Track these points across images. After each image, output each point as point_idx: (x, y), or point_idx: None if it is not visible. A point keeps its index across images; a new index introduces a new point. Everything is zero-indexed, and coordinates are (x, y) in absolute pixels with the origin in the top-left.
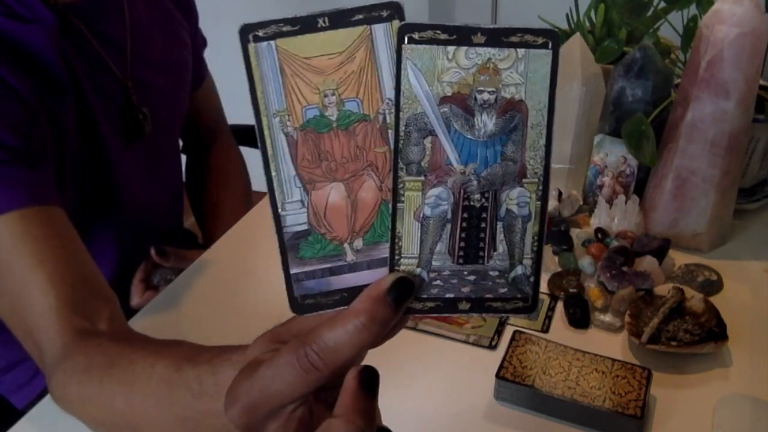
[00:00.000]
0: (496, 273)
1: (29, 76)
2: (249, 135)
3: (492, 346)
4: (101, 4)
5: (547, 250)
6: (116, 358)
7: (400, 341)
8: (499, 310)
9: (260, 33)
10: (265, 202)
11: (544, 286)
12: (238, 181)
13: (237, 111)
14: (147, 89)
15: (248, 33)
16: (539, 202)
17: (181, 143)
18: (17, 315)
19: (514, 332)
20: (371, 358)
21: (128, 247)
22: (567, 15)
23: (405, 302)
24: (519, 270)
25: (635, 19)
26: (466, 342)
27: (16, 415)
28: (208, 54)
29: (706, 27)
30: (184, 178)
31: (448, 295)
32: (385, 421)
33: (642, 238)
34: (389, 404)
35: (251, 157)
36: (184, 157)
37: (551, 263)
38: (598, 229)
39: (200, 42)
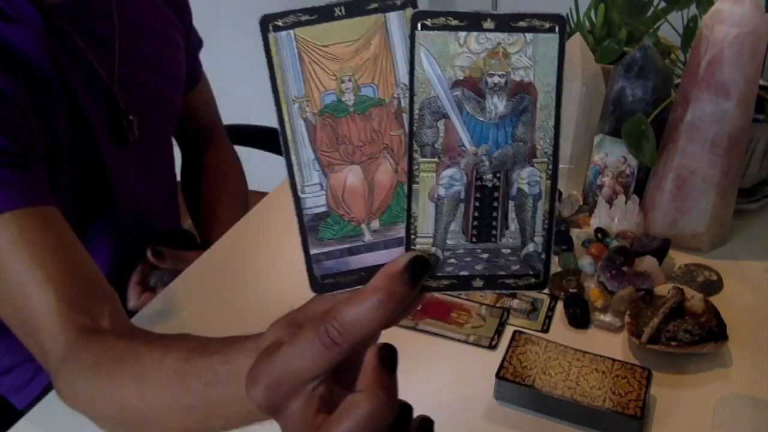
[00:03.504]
0: (509, 251)
1: (17, 77)
2: (244, 135)
3: (492, 346)
4: (88, 3)
5: None
6: (124, 353)
7: (400, 341)
8: (512, 287)
9: (280, 23)
10: (264, 202)
11: None
12: (235, 180)
13: (233, 111)
14: (138, 90)
15: (268, 23)
16: (549, 181)
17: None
18: (18, 316)
19: (514, 332)
20: None
21: (125, 248)
22: (567, 15)
23: (421, 279)
24: (531, 247)
25: (635, 19)
26: (466, 342)
27: (17, 415)
28: (206, 53)
29: (706, 27)
30: (178, 178)
31: (462, 273)
32: None
33: (642, 238)
34: None
35: (246, 156)
36: (178, 157)
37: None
38: (598, 229)
39: (195, 42)
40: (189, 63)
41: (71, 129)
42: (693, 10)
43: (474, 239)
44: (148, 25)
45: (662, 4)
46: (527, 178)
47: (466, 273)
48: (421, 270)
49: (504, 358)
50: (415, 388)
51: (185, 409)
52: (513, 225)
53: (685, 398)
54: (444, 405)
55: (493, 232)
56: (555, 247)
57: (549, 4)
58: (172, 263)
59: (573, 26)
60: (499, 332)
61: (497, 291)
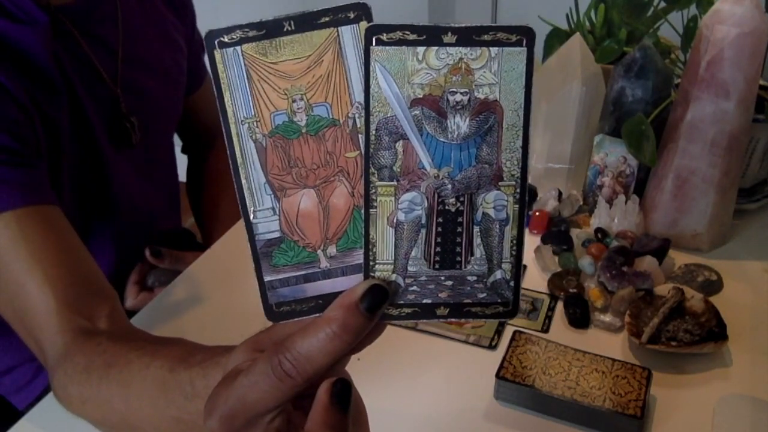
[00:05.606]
0: (475, 278)
1: (22, 77)
2: None
3: (492, 346)
4: (93, 6)
5: (547, 250)
6: (114, 359)
7: (400, 341)
8: (479, 315)
9: (226, 39)
10: None
11: (543, 286)
12: None
13: None
14: (140, 93)
15: (214, 39)
16: (517, 206)
17: (180, 144)
18: (17, 315)
19: (514, 332)
20: (371, 357)
21: (126, 248)
22: (567, 15)
23: (378, 310)
24: (498, 275)
25: (635, 19)
26: (466, 342)
27: (17, 415)
28: None
29: (706, 27)
30: (181, 179)
31: (425, 301)
32: (385, 420)
33: (642, 238)
34: (389, 404)
35: None
36: (183, 158)
37: (551, 263)
38: (598, 229)
39: (199, 42)
40: (193, 63)
41: (73, 130)
42: (693, 10)
43: (437, 266)
44: (151, 29)
45: (662, 4)
46: (493, 203)
47: (429, 301)
48: (378, 300)
49: (504, 358)
50: (416, 389)
51: (169, 420)
52: (479, 251)
53: (685, 398)
54: (444, 405)
55: (458, 258)
56: (555, 247)
57: (549, 4)
58: (170, 263)
59: (573, 26)
60: (499, 332)
61: (463, 320)
